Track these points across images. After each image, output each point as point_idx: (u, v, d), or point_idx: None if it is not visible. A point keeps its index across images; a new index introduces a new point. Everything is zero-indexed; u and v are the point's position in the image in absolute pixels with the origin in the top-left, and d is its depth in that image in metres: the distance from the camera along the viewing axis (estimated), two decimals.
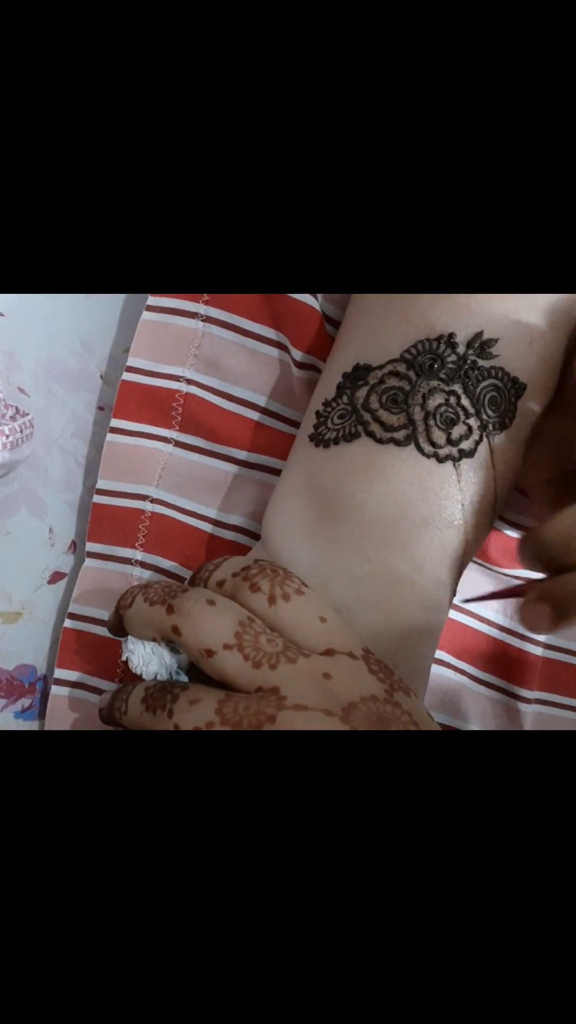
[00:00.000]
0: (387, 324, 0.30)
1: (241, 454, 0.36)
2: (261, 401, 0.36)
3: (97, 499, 0.37)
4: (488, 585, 0.38)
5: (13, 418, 0.35)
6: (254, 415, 0.36)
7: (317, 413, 0.31)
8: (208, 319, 0.36)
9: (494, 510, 0.30)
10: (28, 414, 0.35)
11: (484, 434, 0.29)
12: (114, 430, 0.37)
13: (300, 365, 0.35)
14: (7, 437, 0.34)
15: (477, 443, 0.29)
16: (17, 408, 0.35)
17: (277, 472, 0.36)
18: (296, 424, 0.36)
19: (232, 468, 0.36)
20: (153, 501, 0.37)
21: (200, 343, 0.36)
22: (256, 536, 0.37)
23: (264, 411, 0.36)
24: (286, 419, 0.36)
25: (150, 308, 0.37)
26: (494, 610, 0.38)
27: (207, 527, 0.37)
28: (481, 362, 0.28)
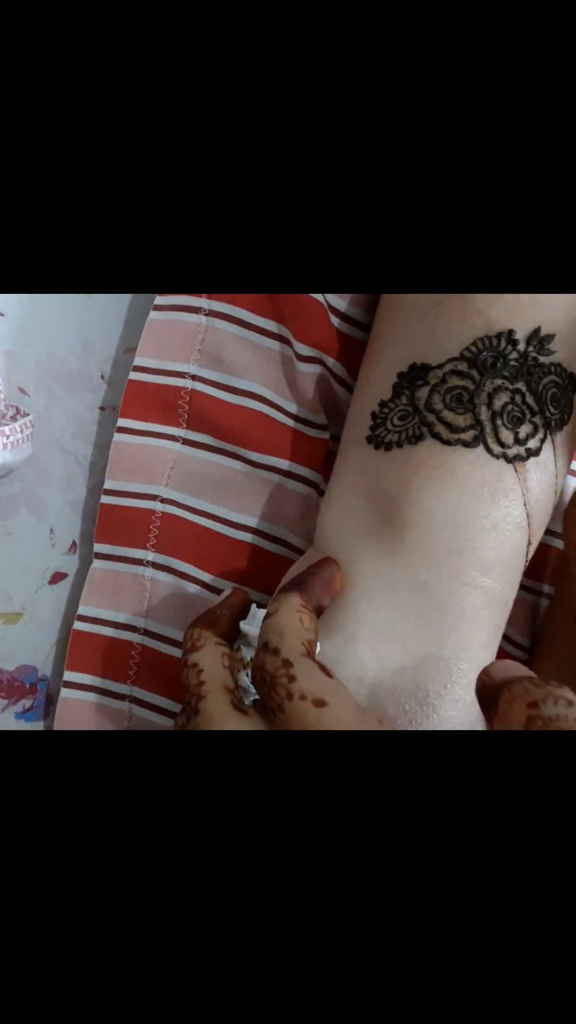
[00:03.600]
0: (441, 322, 0.29)
1: (250, 453, 0.35)
2: (266, 395, 0.35)
3: (105, 499, 0.36)
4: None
5: (13, 418, 0.34)
6: (260, 407, 0.35)
7: (373, 415, 0.30)
8: (211, 313, 0.35)
9: (553, 508, 0.30)
10: (28, 414, 0.34)
11: (548, 432, 0.28)
12: (121, 430, 0.36)
13: (303, 359, 0.34)
14: (7, 437, 0.33)
15: (542, 441, 0.28)
16: (18, 408, 0.35)
17: (286, 472, 0.35)
18: (300, 419, 0.35)
19: (242, 467, 0.35)
20: (164, 501, 0.36)
21: (204, 338, 0.35)
22: (269, 537, 0.36)
23: (270, 404, 0.35)
24: (290, 414, 0.35)
25: (157, 307, 0.36)
26: None
27: (220, 527, 0.35)
28: (541, 358, 0.28)
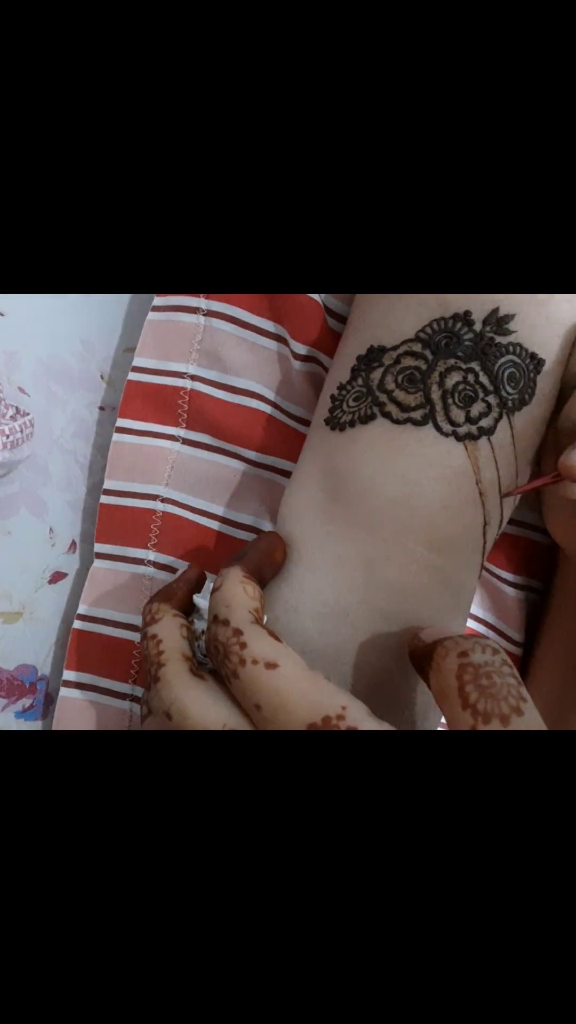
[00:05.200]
0: (401, 306, 0.28)
1: (249, 452, 0.35)
2: (264, 394, 0.35)
3: (104, 499, 0.36)
4: (484, 595, 0.37)
5: (13, 418, 0.34)
6: (258, 406, 0.35)
7: (332, 397, 0.30)
8: (210, 313, 0.35)
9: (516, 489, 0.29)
10: (28, 414, 0.34)
11: (504, 411, 0.28)
12: (120, 430, 0.36)
13: (300, 358, 0.34)
14: (7, 437, 0.33)
15: (497, 420, 0.27)
16: (17, 408, 0.35)
17: (285, 471, 0.35)
18: (298, 418, 0.35)
19: (240, 466, 0.35)
20: (164, 500, 0.36)
21: (202, 337, 0.35)
22: None
23: (268, 403, 0.35)
24: (289, 413, 0.35)
25: (156, 308, 0.36)
26: (477, 604, 0.38)
27: (220, 527, 0.35)
28: (498, 339, 0.27)
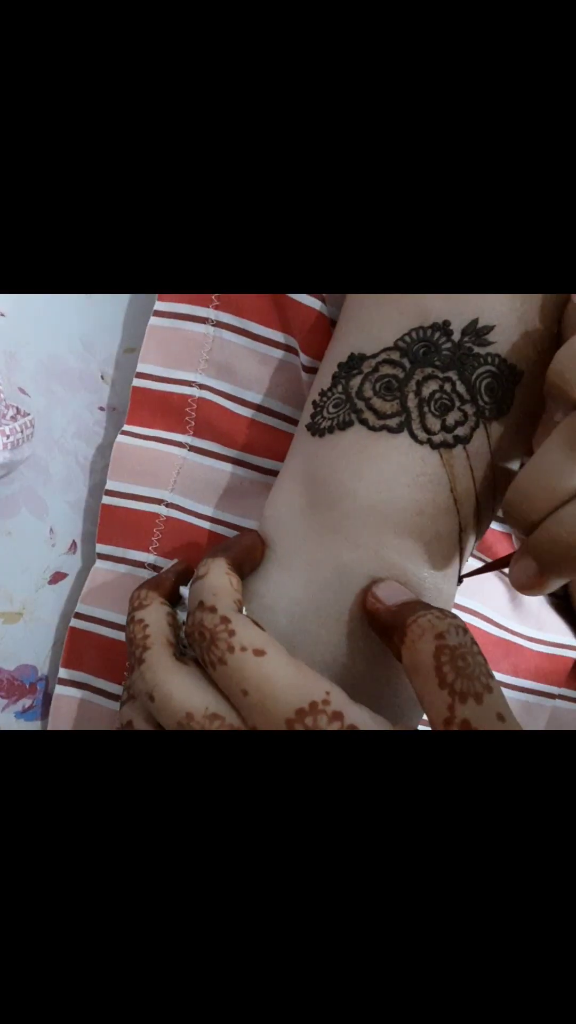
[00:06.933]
0: (381, 314, 0.29)
1: (256, 460, 0.35)
2: (274, 406, 0.35)
3: (106, 500, 0.36)
4: (500, 588, 0.37)
5: (14, 418, 0.34)
6: (267, 419, 0.35)
7: (314, 403, 0.30)
8: (218, 324, 0.35)
9: (494, 497, 0.29)
10: (29, 414, 0.34)
11: (480, 420, 0.28)
12: (126, 432, 0.36)
13: (308, 369, 0.34)
14: (8, 437, 0.33)
15: (473, 429, 0.28)
16: (18, 408, 0.35)
17: None
18: None
19: (247, 474, 0.35)
20: (168, 505, 0.36)
21: (211, 348, 0.35)
22: None
23: (277, 415, 0.35)
24: (297, 423, 0.36)
25: (158, 313, 0.36)
26: (504, 616, 0.38)
27: (224, 532, 0.36)
28: (477, 349, 0.27)
